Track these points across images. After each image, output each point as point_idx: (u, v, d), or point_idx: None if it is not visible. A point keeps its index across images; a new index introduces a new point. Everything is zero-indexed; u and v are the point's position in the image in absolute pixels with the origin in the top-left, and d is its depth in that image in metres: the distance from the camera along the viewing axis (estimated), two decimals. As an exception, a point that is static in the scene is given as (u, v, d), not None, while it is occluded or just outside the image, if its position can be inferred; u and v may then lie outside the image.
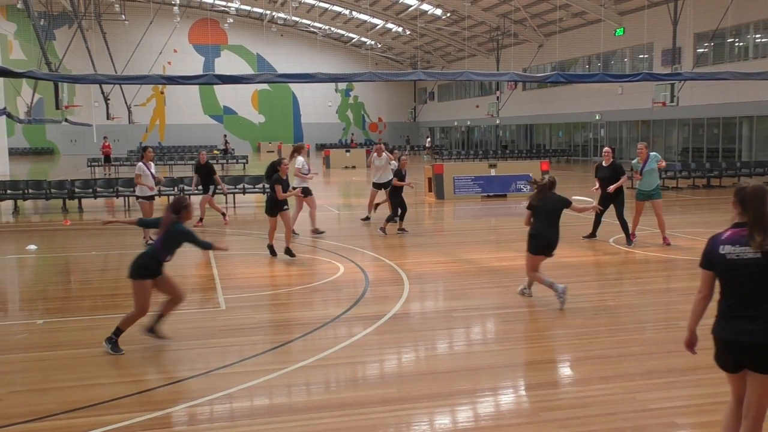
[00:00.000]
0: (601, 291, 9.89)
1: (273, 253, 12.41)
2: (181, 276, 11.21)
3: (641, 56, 42.04)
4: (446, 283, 10.59)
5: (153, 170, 14.61)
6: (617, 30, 43.09)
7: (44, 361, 7.03)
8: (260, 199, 22.01)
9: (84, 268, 11.88)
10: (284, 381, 6.41)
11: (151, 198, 14.57)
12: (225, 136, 57.52)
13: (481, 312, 8.81)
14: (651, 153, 13.30)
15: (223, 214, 17.38)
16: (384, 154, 16.90)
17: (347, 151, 45.98)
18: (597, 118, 46.13)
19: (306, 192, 14.87)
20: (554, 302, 9.01)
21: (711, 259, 4.13)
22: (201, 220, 16.86)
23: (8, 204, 20.96)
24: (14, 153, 48.15)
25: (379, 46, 68.13)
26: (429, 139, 62.37)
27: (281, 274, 11.11)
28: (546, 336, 7.76)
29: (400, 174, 15.42)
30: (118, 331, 7.31)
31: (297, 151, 15.28)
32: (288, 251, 12.27)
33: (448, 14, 54.06)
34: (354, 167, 41.39)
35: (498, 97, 56.83)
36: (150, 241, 12.20)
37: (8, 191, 20.76)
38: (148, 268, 7.31)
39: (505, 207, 20.66)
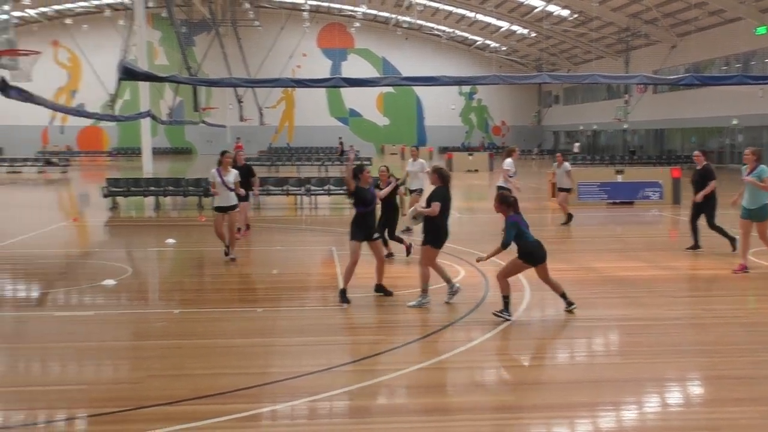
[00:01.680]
0: (735, 306, 9.33)
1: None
2: (305, 274, 11.54)
3: (786, 57, 39.33)
4: (568, 292, 10.30)
5: (232, 178, 12.28)
6: (758, 28, 40.48)
7: (179, 348, 7.42)
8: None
9: (216, 262, 12.41)
10: (402, 382, 6.45)
11: (223, 209, 12.22)
12: (340, 138, 58.37)
13: (604, 323, 8.53)
14: (761, 166, 11.10)
15: (239, 229, 13.68)
16: (419, 159, 16.35)
17: (470, 154, 45.74)
18: (734, 122, 43.58)
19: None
20: (687, 316, 8.61)
21: None
22: (239, 230, 13.66)
23: (151, 200, 22.28)
24: (157, 152, 50.97)
25: (504, 48, 67.36)
26: (578, 144, 59.84)
27: (402, 275, 11.18)
28: (674, 351, 7.40)
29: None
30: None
31: (508, 154, 15.76)
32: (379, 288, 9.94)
33: (575, 15, 52.69)
34: (477, 171, 41.11)
35: (626, 101, 54.84)
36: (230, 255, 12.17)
37: (151, 188, 22.12)
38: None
39: (632, 214, 19.92)
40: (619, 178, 22.24)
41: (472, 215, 20.18)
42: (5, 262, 12.67)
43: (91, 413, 5.73)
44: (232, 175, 12.31)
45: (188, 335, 7.89)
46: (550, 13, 53.22)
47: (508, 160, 15.56)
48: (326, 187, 21.85)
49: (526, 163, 55.05)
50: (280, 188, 21.84)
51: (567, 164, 17.95)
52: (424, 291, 9.16)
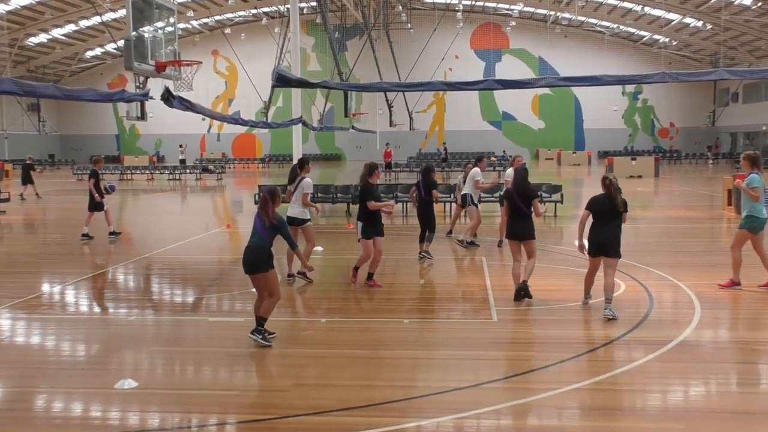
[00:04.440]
0: None
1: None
2: (453, 284, 11.55)
3: None
4: (747, 310, 9.67)
5: (307, 188, 11.67)
6: None
7: (325, 358, 7.64)
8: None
9: (364, 270, 12.67)
10: (555, 402, 6.30)
11: (294, 222, 11.52)
12: (444, 143, 57.17)
13: (788, 347, 7.91)
14: (752, 174, 10.67)
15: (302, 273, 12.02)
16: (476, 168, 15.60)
17: (633, 159, 43.95)
18: None
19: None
20: None
21: None
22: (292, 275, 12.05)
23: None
24: (307, 158, 53.47)
25: (674, 43, 64.22)
26: None
27: (557, 288, 10.92)
28: None
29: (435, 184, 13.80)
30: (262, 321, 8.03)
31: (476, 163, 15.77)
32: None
33: (760, 3, 49.28)
34: (640, 177, 39.44)
35: (819, 97, 50.57)
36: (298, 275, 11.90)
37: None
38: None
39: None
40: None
41: (635, 225, 19.33)
42: (163, 266, 13.62)
43: (240, 419, 6.02)
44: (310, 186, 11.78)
45: (334, 344, 8.11)
46: (730, 3, 50.14)
47: (476, 170, 15.46)
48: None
49: (699, 168, 52.15)
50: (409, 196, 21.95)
51: None
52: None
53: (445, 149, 51.12)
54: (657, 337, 8.15)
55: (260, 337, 8.05)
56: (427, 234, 13.66)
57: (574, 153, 61.33)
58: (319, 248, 14.86)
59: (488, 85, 15.14)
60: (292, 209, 11.72)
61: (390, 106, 56.46)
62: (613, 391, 6.62)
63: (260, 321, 8.09)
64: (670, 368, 7.24)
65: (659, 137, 71.45)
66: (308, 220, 11.76)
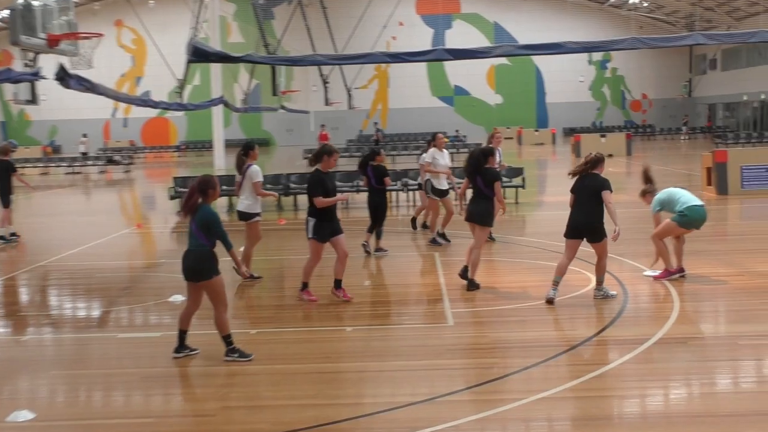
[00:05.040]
0: None
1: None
2: (404, 285, 11.60)
3: None
4: (730, 302, 9.94)
5: (256, 176, 11.93)
6: None
7: (257, 375, 7.60)
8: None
9: (299, 273, 12.62)
10: (522, 414, 6.38)
11: (242, 217, 12.12)
12: (376, 124, 57.14)
13: (777, 341, 8.17)
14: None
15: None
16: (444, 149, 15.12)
17: (602, 136, 44.77)
18: None
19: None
20: None
21: None
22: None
23: (223, 201, 22.89)
24: (231, 145, 52.27)
25: (645, 4, 65.52)
26: None
27: (519, 285, 11.07)
28: None
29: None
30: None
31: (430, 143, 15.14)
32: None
33: (736, -41, 50.67)
34: (611, 156, 40.18)
35: (805, 62, 52.26)
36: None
37: (223, 187, 22.51)
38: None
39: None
40: (771, 161, 21.35)
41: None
42: (63, 276, 13.35)
43: (157, 449, 5.94)
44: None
45: (268, 359, 8.06)
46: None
47: (429, 151, 14.82)
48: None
49: (675, 144, 53.37)
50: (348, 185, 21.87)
51: None
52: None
53: (378, 130, 50.63)
54: (633, 336, 8.32)
55: (236, 355, 7.93)
56: (376, 228, 13.74)
57: (536, 131, 62.18)
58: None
59: (437, 56, 15.22)
60: (241, 203, 11.87)
61: (325, 83, 56.20)
62: (585, 398, 6.74)
63: (226, 339, 7.95)
64: (649, 369, 7.40)
65: (631, 111, 72.86)
66: (257, 214, 11.83)
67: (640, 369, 7.42)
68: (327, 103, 56.92)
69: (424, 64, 64.95)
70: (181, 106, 36.26)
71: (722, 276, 11.28)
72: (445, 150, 15.09)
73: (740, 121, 66.16)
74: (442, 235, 14.68)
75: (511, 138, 61.91)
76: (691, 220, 10.84)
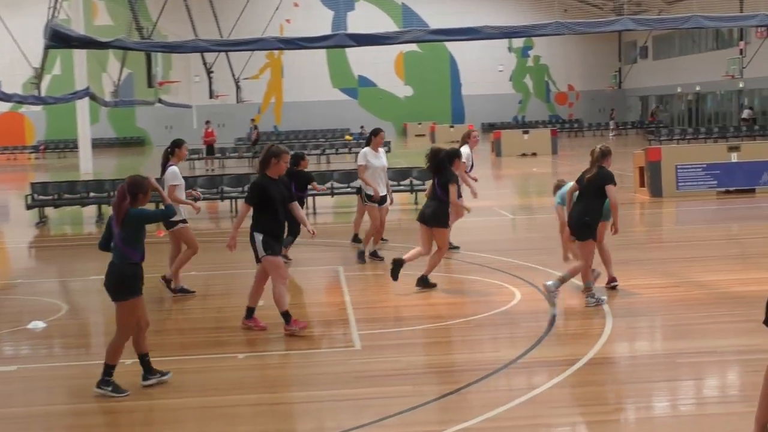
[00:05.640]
0: None
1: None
2: (304, 304, 11.55)
3: None
4: (666, 316, 10.25)
5: (172, 179, 12.25)
6: None
7: (133, 413, 7.48)
8: (406, 200, 22.30)
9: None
10: (439, 448, 6.43)
11: (166, 225, 12.30)
12: (252, 121, 56.05)
13: (719, 357, 8.50)
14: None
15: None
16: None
17: (525, 132, 45.65)
18: None
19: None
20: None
21: None
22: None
23: (91, 210, 22.42)
24: (99, 144, 51.27)
25: (569, -15, 67.22)
26: (749, 111, 57.93)
27: (435, 303, 11.16)
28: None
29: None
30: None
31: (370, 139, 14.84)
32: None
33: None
34: (534, 154, 41.04)
35: (742, 51, 54.43)
36: None
37: (91, 194, 22.17)
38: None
39: (753, 207, 19.77)
40: (734, 158, 22.08)
41: (530, 216, 20.08)
42: None
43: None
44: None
45: (146, 393, 7.91)
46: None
47: (363, 150, 14.74)
48: (328, 185, 21.85)
49: (604, 140, 54.77)
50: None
51: None
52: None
53: (255, 128, 49.74)
54: (562, 356, 8.49)
55: (110, 388, 7.73)
56: (288, 237, 13.63)
57: (451, 127, 62.77)
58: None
59: (338, 41, 15.32)
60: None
61: (209, 72, 55.66)
62: (510, 428, 6.83)
63: (106, 368, 7.77)
64: (580, 393, 7.56)
65: (556, 104, 74.48)
66: (181, 221, 11.80)
67: (571, 393, 7.57)
68: (212, 95, 56.40)
69: (323, 51, 64.99)
70: (38, 100, 35.39)
71: (658, 287, 11.63)
72: (381, 149, 14.73)
73: (674, 115, 68.42)
74: (373, 253, 14.22)
75: (423, 135, 62.47)
76: None
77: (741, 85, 55.58)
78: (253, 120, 53.63)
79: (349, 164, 36.93)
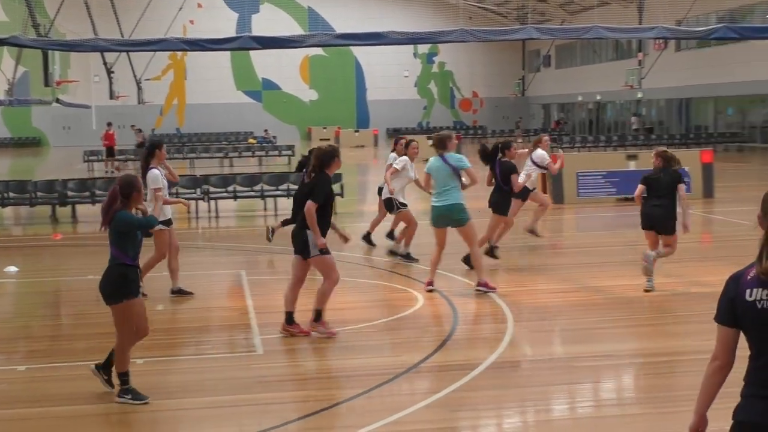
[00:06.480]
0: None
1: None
2: (205, 309, 11.44)
3: None
4: (566, 321, 10.46)
5: (154, 183, 11.62)
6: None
7: (27, 420, 7.29)
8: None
9: (79, 297, 12.20)
10: (342, 453, 6.45)
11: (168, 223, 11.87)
12: (133, 126, 55.00)
13: (615, 361, 8.69)
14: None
15: None
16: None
17: (430, 138, 46.00)
18: (782, 88, 44.88)
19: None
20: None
21: (733, 310, 3.91)
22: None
23: (8, 212, 21.79)
24: (-9, 145, 50.00)
25: (475, -7, 68.04)
26: (636, 119, 59.04)
27: (338, 307, 11.14)
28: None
29: None
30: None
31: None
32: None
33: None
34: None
35: (641, 62, 55.90)
36: None
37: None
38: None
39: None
40: (632, 166, 22.61)
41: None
42: None
43: None
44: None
45: (41, 400, 7.75)
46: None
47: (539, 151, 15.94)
48: (231, 188, 21.68)
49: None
50: (167, 190, 21.50)
51: None
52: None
53: (139, 131, 48.74)
54: (463, 361, 8.58)
55: (129, 396, 7.54)
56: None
57: (356, 132, 63.03)
58: (12, 269, 14.11)
59: (243, 44, 15.24)
60: None
61: (110, 72, 54.68)
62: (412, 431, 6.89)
63: (121, 377, 7.59)
64: (481, 397, 7.66)
65: (460, 110, 75.33)
66: (166, 221, 11.40)
67: (472, 397, 7.66)
68: (112, 96, 55.37)
69: (227, 53, 64.46)
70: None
71: (558, 292, 11.86)
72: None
73: (575, 123, 69.93)
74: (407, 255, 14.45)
75: (328, 139, 62.43)
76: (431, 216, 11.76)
77: (639, 95, 57.06)
78: (133, 125, 52.66)
79: (253, 167, 36.72)
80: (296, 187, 21.21)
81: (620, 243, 16.53)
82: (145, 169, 11.47)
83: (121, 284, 7.51)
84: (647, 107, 59.81)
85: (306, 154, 12.64)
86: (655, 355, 8.77)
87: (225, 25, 66.42)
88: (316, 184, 9.33)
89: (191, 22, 63.64)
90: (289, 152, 43.33)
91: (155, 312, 11.07)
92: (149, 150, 11.74)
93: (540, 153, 15.73)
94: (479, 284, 11.50)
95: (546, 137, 16.80)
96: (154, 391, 7.91)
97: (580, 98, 66.95)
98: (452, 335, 9.64)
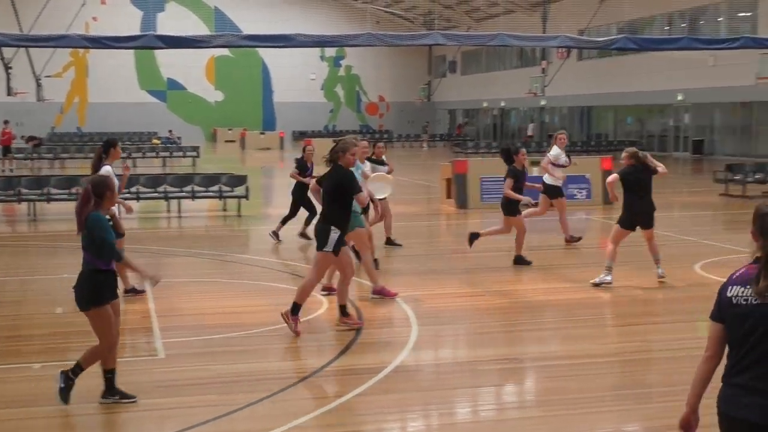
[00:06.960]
0: (684, 336, 9.82)
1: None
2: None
3: (741, 14, 42.07)
4: (470, 324, 10.57)
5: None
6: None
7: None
8: (214, 207, 22.05)
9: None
10: (244, 458, 6.40)
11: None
12: (12, 124, 53.43)
13: (517, 364, 8.83)
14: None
15: None
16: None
17: (335, 141, 45.92)
18: (680, 98, 46.22)
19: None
20: (625, 350, 9.07)
21: (720, 306, 4.14)
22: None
23: None
24: None
25: (382, -2, 68.36)
26: (533, 125, 59.95)
27: (240, 311, 11.09)
28: (610, 397, 7.73)
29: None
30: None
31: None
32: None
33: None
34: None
35: (544, 70, 56.96)
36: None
37: None
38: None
39: (551, 219, 20.61)
40: (535, 172, 22.98)
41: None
42: None
43: None
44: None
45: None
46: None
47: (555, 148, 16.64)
48: (134, 189, 21.28)
49: (414, 153, 56.01)
50: (66, 191, 20.98)
51: None
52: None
53: (31, 138, 47.25)
54: (368, 364, 8.60)
55: (118, 396, 7.38)
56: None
57: (262, 134, 62.68)
58: None
59: (147, 42, 15.00)
60: None
61: (8, 68, 53.34)
62: (316, 436, 6.89)
63: (107, 375, 7.37)
64: (385, 401, 7.68)
65: (367, 114, 75.64)
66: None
67: (376, 401, 7.68)
68: (10, 92, 53.96)
69: (131, 51, 63.40)
70: None
71: (463, 296, 11.99)
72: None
73: (480, 129, 70.87)
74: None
75: (233, 141, 61.99)
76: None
77: (543, 103, 58.13)
78: (13, 123, 50.75)
79: (156, 168, 36.20)
80: (201, 189, 21.15)
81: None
82: (98, 166, 11.16)
83: (95, 291, 7.26)
84: (550, 114, 60.96)
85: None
86: (555, 358, 8.92)
87: (129, 22, 65.19)
88: (342, 178, 9.83)
89: (94, 18, 62.57)
90: (194, 153, 42.87)
91: (51, 315, 10.84)
92: (104, 148, 11.41)
93: (555, 152, 16.51)
94: (375, 291, 11.52)
95: (562, 134, 17.33)
96: (49, 396, 7.72)
97: (485, 104, 67.89)
98: (357, 339, 9.65)
